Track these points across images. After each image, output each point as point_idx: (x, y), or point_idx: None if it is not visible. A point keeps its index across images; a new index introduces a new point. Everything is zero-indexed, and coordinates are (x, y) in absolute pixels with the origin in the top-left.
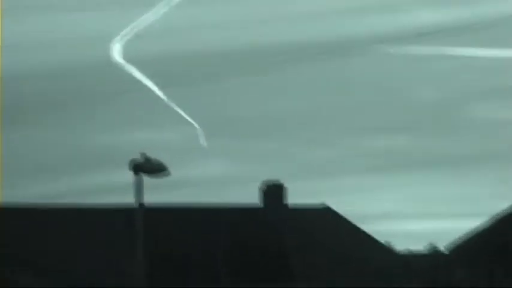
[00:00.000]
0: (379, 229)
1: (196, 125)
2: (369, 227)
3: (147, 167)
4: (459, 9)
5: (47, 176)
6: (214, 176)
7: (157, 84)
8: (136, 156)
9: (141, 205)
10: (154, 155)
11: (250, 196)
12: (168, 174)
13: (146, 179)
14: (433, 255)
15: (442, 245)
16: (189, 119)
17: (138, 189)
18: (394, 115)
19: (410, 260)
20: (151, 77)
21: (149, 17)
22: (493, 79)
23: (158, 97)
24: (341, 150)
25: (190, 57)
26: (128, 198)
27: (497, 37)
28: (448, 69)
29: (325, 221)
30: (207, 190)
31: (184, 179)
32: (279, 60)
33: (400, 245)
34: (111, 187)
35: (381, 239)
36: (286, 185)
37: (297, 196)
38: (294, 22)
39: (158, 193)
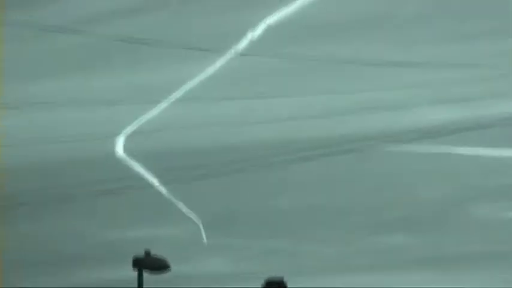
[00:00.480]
0: None
1: (197, 221)
2: None
3: (149, 264)
4: (462, 108)
5: (48, 270)
6: (215, 273)
7: (159, 179)
8: (140, 252)
9: None
10: (157, 251)
11: None
12: (169, 270)
13: (149, 276)
14: None
15: None
16: (190, 215)
17: (140, 285)
18: (394, 213)
19: None
20: (153, 172)
21: (153, 113)
22: (496, 179)
23: (160, 193)
24: (341, 248)
25: (193, 153)
26: None
27: (500, 136)
28: (450, 168)
29: None
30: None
31: (185, 275)
32: (283, 157)
33: None
34: (113, 283)
35: None
36: (289, 282)
37: None
38: (296, 120)
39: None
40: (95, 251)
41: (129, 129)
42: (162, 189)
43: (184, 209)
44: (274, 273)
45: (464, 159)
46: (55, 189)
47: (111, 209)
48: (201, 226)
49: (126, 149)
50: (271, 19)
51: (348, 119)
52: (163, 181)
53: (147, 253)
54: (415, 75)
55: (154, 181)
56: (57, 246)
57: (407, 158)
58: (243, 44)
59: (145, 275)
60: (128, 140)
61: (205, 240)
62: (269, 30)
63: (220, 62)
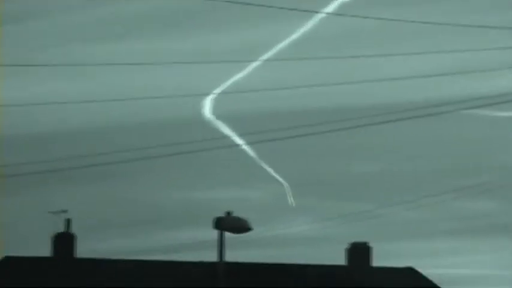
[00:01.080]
0: None
1: (284, 183)
2: None
3: (230, 225)
4: None
5: (127, 232)
6: (300, 236)
7: (246, 141)
8: (221, 214)
9: (222, 262)
10: (241, 213)
11: (337, 257)
12: (250, 231)
13: (231, 237)
14: None
15: None
16: (277, 177)
17: (221, 246)
18: (483, 179)
19: None
20: (240, 134)
21: (241, 74)
22: None
23: (247, 155)
24: (425, 213)
25: (281, 114)
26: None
27: None
28: None
29: (410, 283)
30: (293, 249)
31: (270, 238)
32: (367, 120)
33: None
34: (196, 244)
35: None
36: (373, 246)
37: (383, 258)
38: (384, 82)
39: (244, 251)
40: (179, 211)
41: (218, 90)
42: (249, 151)
43: (270, 170)
44: (358, 236)
45: None
46: (138, 150)
47: (196, 169)
48: (287, 188)
49: (213, 110)
50: None
51: (436, 80)
52: (250, 143)
53: (228, 213)
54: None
55: (241, 142)
56: (140, 207)
57: (496, 123)
58: (334, 4)
59: (228, 235)
60: (216, 101)
61: (292, 202)
62: None
63: (311, 23)
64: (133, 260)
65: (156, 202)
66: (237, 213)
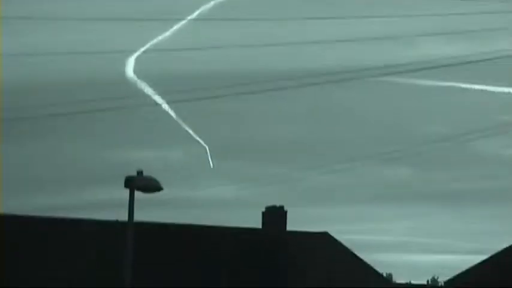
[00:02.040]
0: (380, 260)
1: (204, 145)
2: (370, 258)
3: (140, 184)
4: (470, 44)
5: (46, 188)
6: (219, 198)
7: (167, 100)
8: (134, 173)
9: (131, 221)
10: (158, 174)
11: (252, 220)
12: (160, 191)
13: (144, 197)
14: None
15: (443, 280)
16: (198, 139)
17: (131, 205)
18: (399, 147)
19: None
20: (161, 93)
21: (165, 34)
22: (499, 116)
23: (168, 115)
24: (346, 179)
25: (204, 76)
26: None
27: (503, 73)
28: (454, 104)
29: (325, 248)
30: (209, 211)
31: (186, 199)
32: (288, 85)
33: (402, 278)
34: (108, 203)
35: (382, 270)
36: (289, 210)
37: (299, 222)
38: (304, 48)
39: (157, 212)
40: (96, 169)
41: (142, 49)
42: (170, 111)
43: (190, 132)
44: (274, 200)
45: (470, 94)
46: (58, 106)
47: (115, 128)
48: (207, 150)
49: (136, 69)
50: None
51: (353, 47)
52: (171, 102)
53: (139, 173)
54: (422, 6)
55: (162, 102)
56: (56, 164)
57: (413, 92)
58: None
59: (139, 195)
60: (139, 60)
61: (211, 164)
62: None
63: None
64: (44, 216)
65: (73, 160)
66: (154, 173)
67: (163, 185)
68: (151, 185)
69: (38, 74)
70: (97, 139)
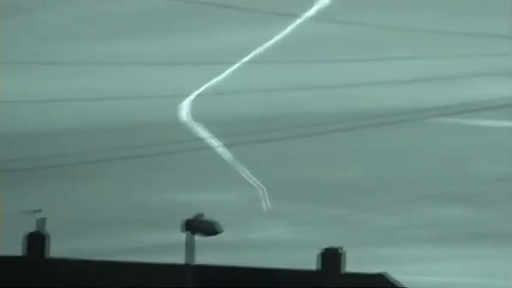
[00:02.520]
0: None
1: (259, 186)
2: None
3: (199, 227)
4: None
5: (100, 231)
6: (275, 240)
7: (222, 143)
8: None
9: (189, 264)
10: (214, 216)
11: (309, 262)
12: (220, 233)
13: (202, 241)
14: None
15: None
16: (253, 181)
17: (189, 248)
18: (457, 187)
19: None
20: (216, 136)
21: (219, 77)
22: None
23: (223, 158)
24: (400, 219)
25: (259, 118)
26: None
27: None
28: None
29: None
30: (265, 254)
31: (242, 241)
32: (342, 125)
33: None
34: (167, 247)
35: None
36: (346, 252)
37: (357, 264)
38: (357, 90)
39: (215, 254)
40: (152, 213)
41: (196, 92)
42: (225, 153)
43: (246, 174)
44: (331, 241)
45: None
46: (114, 150)
47: (171, 171)
48: (263, 192)
49: (191, 112)
50: None
51: (408, 88)
52: (226, 145)
53: (199, 216)
54: (473, 46)
55: (217, 145)
56: (113, 208)
57: (466, 132)
58: (313, 9)
59: (198, 238)
60: (194, 103)
61: (267, 206)
62: None
63: (291, 27)
64: (104, 260)
65: (129, 204)
66: (210, 216)
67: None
68: (212, 228)
69: (92, 118)
70: (149, 182)
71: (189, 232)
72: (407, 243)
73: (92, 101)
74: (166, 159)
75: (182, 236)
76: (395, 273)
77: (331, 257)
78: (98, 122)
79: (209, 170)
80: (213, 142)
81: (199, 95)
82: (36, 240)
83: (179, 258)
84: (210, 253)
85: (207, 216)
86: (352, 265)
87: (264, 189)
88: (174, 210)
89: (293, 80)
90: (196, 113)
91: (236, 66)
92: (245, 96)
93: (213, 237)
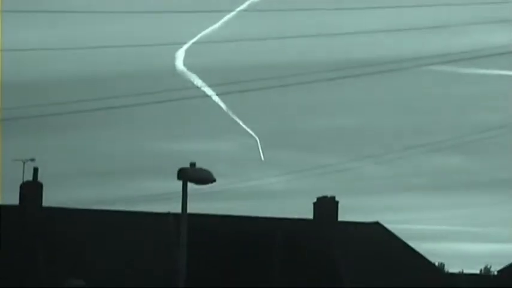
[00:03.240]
0: (432, 249)
1: (255, 136)
2: (423, 248)
3: (192, 176)
4: None
5: (95, 180)
6: (270, 189)
7: (217, 93)
8: (187, 165)
9: (184, 213)
10: (209, 165)
11: (304, 210)
12: (214, 182)
13: (197, 188)
14: (486, 278)
15: (497, 269)
16: (248, 130)
17: (184, 196)
18: (451, 135)
19: (461, 281)
20: (211, 85)
21: (215, 26)
22: None
23: (218, 106)
24: (397, 169)
25: (254, 66)
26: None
27: None
28: (508, 91)
29: (377, 238)
30: (260, 202)
31: (237, 190)
32: (337, 74)
33: (454, 267)
34: (161, 195)
35: (434, 260)
36: (340, 201)
37: (351, 212)
38: (359, 39)
39: (209, 203)
40: (146, 161)
41: (191, 41)
42: (220, 102)
43: (240, 123)
44: (326, 190)
45: None
46: (108, 100)
47: (165, 120)
48: (258, 142)
49: (186, 61)
50: None
51: (404, 36)
52: (221, 94)
53: (192, 165)
54: None
55: (212, 93)
56: (107, 157)
57: (464, 80)
58: None
59: (193, 186)
60: (189, 51)
61: (262, 157)
62: None
63: None
64: (97, 209)
65: (124, 152)
66: (205, 165)
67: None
68: (204, 177)
69: (87, 68)
70: (147, 131)
71: (182, 180)
72: (400, 192)
73: (85, 50)
74: (162, 108)
75: (178, 184)
76: (388, 222)
77: (326, 205)
78: (91, 72)
79: (204, 119)
80: (208, 90)
81: (194, 43)
82: (32, 189)
83: (175, 207)
84: (204, 202)
85: (203, 165)
86: (346, 214)
87: (258, 139)
88: (168, 159)
89: (290, 28)
90: (192, 62)
91: (232, 14)
92: (241, 45)
93: (207, 186)
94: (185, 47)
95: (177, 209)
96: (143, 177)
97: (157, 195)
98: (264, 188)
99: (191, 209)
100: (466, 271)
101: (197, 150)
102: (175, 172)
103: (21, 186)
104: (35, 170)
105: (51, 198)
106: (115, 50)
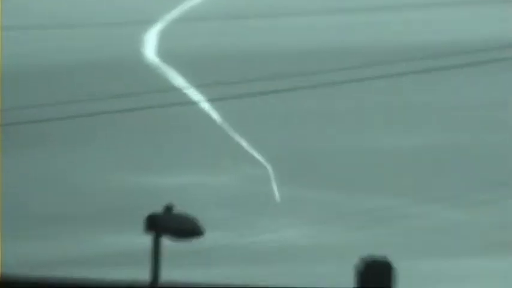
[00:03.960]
0: None
1: (265, 164)
2: None
3: (169, 226)
4: None
5: (39, 231)
6: (289, 245)
7: (207, 97)
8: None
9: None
10: (195, 209)
11: (340, 278)
12: (201, 235)
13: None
14: None
15: None
16: (255, 154)
17: (155, 258)
18: None
19: None
20: (198, 86)
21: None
22: None
23: (209, 118)
24: (477, 216)
25: (259, 56)
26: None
27: None
28: None
29: None
30: (272, 267)
31: (240, 248)
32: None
33: None
34: (128, 254)
35: None
36: (397, 264)
37: (409, 280)
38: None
39: (192, 267)
40: (107, 203)
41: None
42: (212, 112)
43: (242, 143)
44: (374, 247)
45: None
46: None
47: (128, 141)
48: (270, 172)
49: (159, 49)
50: None
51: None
52: (214, 99)
53: (168, 208)
54: None
55: (201, 99)
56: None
57: None
58: None
59: (167, 241)
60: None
61: (277, 196)
62: None
63: None
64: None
65: (74, 189)
66: (187, 209)
67: (204, 226)
68: (187, 227)
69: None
70: (105, 156)
71: (154, 233)
72: (482, 250)
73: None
74: (119, 121)
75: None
76: None
77: (375, 270)
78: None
79: (187, 139)
80: (194, 95)
81: (169, 22)
82: None
83: (142, 272)
84: (184, 266)
85: (180, 208)
86: (403, 283)
87: (269, 168)
88: (136, 200)
89: (285, 4)
90: (168, 50)
91: None
92: (225, 24)
93: (189, 242)
94: (158, 27)
95: (143, 275)
96: (102, 227)
97: (114, 255)
98: (280, 244)
99: (166, 276)
100: None
101: (176, 187)
102: (142, 221)
103: None
104: None
105: None
106: (57, 33)
